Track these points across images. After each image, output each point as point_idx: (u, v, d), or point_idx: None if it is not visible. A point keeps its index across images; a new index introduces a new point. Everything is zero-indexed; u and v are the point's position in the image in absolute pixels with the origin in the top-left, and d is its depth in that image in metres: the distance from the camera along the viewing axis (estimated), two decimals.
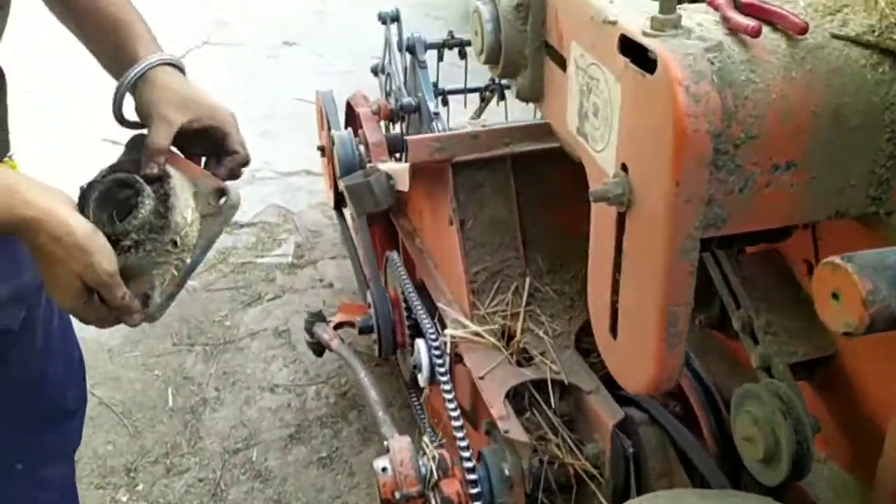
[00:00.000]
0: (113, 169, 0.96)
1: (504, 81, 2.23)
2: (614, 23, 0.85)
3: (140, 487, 1.87)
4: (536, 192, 1.53)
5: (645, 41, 0.80)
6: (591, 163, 0.98)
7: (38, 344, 1.21)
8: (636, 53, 0.84)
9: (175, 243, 0.93)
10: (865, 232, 0.91)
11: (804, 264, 1.11)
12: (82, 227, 0.86)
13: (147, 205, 0.92)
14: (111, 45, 0.99)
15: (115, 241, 0.90)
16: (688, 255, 0.83)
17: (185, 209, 0.95)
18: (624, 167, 0.88)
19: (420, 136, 1.48)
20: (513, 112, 2.26)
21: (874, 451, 0.94)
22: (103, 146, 3.26)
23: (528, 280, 1.48)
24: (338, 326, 2.05)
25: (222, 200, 0.96)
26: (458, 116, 2.36)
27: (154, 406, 2.10)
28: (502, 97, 2.36)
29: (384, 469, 1.22)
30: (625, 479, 1.27)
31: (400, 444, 1.23)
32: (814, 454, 1.00)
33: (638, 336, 0.91)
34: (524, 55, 1.10)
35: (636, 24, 0.83)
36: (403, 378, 1.89)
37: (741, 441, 1.04)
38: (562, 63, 1.03)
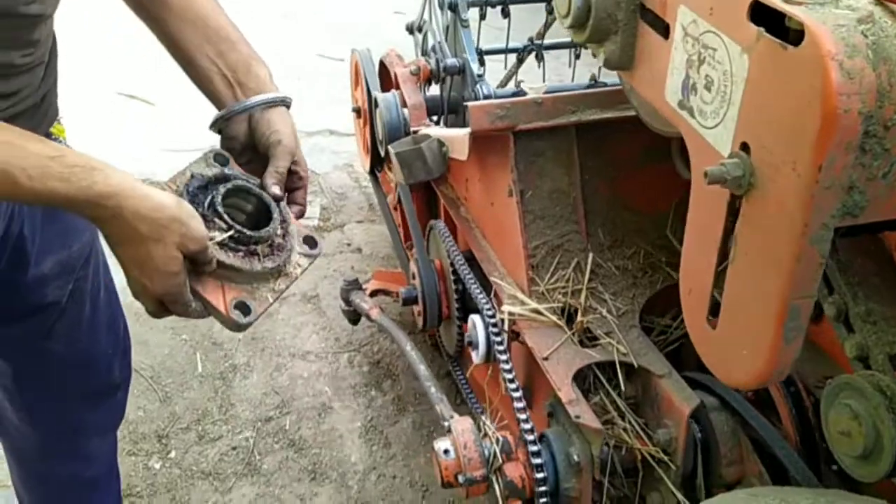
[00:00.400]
0: (223, 177, 0.94)
1: (546, 42, 2.14)
2: None
3: (173, 454, 1.83)
4: (599, 162, 1.46)
5: (788, 9, 0.72)
6: (696, 140, 0.90)
7: (86, 318, 1.15)
8: (768, 22, 0.76)
9: (285, 265, 0.93)
10: None
11: None
12: (169, 198, 0.82)
13: (277, 220, 0.93)
14: (225, 61, 0.98)
15: (236, 242, 0.89)
16: (820, 244, 0.76)
17: (296, 239, 0.96)
18: (745, 147, 0.81)
19: (481, 102, 1.40)
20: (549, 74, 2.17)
21: None
22: (118, 100, 3.17)
23: (590, 255, 1.41)
24: (372, 294, 2.00)
25: (316, 249, 0.99)
26: (493, 78, 2.28)
27: (183, 371, 2.05)
28: (540, 58, 2.27)
29: (446, 451, 1.17)
30: (693, 464, 1.23)
31: (463, 425, 1.19)
32: None
33: (749, 328, 0.85)
34: (616, 19, 1.02)
35: None
36: (447, 351, 1.84)
37: (836, 435, 0.99)
38: (662, 29, 0.95)
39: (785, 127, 0.74)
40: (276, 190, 0.94)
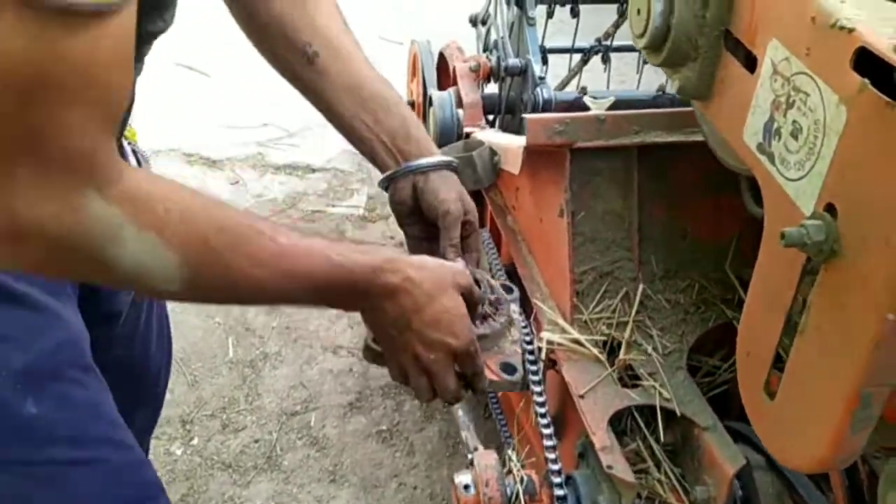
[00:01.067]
0: None
1: (614, 44, 2.04)
2: (851, 30, 0.68)
3: (195, 441, 1.81)
4: (660, 187, 1.36)
5: None
6: (774, 190, 0.81)
7: (142, 324, 1.13)
8: (875, 73, 0.67)
9: (510, 314, 0.96)
10: None
11: None
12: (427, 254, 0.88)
13: (483, 281, 0.95)
14: (383, 127, 0.98)
15: None
16: None
17: (498, 289, 0.98)
18: (830, 209, 0.72)
19: (539, 116, 1.31)
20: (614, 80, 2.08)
21: None
22: (178, 71, 3.16)
23: (640, 287, 1.33)
24: None
25: (514, 293, 1.02)
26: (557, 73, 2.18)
27: (214, 356, 2.03)
28: (606, 60, 2.16)
29: (466, 487, 1.11)
30: None
31: (486, 460, 1.12)
32: None
33: (812, 408, 0.77)
34: (696, 45, 0.93)
35: (883, 35, 0.66)
36: None
37: None
38: (749, 62, 0.86)
39: (881, 195, 0.65)
40: (460, 262, 0.95)
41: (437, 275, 0.81)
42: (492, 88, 2.09)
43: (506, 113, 1.98)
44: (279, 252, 0.71)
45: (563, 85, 2.19)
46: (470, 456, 1.15)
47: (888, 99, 0.64)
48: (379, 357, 0.88)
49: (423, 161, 0.97)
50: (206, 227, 0.67)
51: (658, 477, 1.15)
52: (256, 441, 1.83)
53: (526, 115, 1.30)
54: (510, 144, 1.40)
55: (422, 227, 1.00)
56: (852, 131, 0.68)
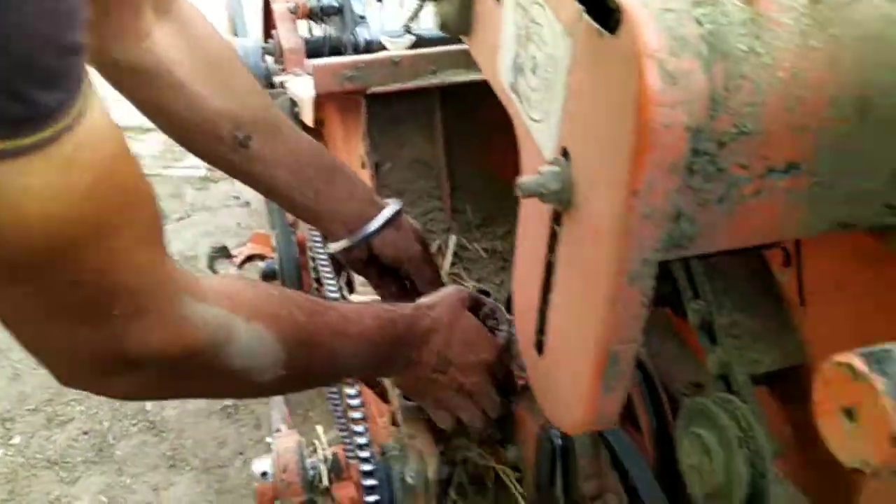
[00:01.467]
0: None
1: None
2: None
3: (16, 440, 1.66)
4: (467, 129, 1.29)
5: None
6: (524, 134, 0.74)
7: None
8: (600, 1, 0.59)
9: (510, 320, 0.96)
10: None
11: (780, 252, 0.92)
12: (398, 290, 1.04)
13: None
14: (325, 196, 0.98)
15: None
16: (640, 282, 0.61)
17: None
18: (566, 153, 0.65)
19: (327, 60, 1.20)
20: None
21: (836, 474, 0.79)
22: None
23: (452, 238, 1.26)
24: (246, 260, 1.82)
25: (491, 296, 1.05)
26: (395, 18, 2.06)
27: None
28: None
29: (264, 474, 1.02)
30: (550, 473, 1.12)
31: (286, 444, 1.04)
32: (770, 483, 0.85)
33: (568, 368, 0.71)
34: None
35: None
36: None
37: (687, 468, 0.87)
38: None
39: (601, 136, 0.58)
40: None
41: (447, 304, 0.86)
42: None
43: (331, 54, 1.86)
44: (343, 318, 0.75)
45: (410, 23, 2.07)
46: (269, 439, 1.06)
47: (599, 27, 0.56)
48: (419, 411, 0.93)
49: (375, 225, 0.99)
50: (289, 307, 0.69)
51: (474, 439, 1.10)
52: (86, 433, 1.69)
53: (312, 62, 1.19)
54: (303, 96, 1.29)
55: (379, 269, 1.04)
56: (575, 65, 0.61)
